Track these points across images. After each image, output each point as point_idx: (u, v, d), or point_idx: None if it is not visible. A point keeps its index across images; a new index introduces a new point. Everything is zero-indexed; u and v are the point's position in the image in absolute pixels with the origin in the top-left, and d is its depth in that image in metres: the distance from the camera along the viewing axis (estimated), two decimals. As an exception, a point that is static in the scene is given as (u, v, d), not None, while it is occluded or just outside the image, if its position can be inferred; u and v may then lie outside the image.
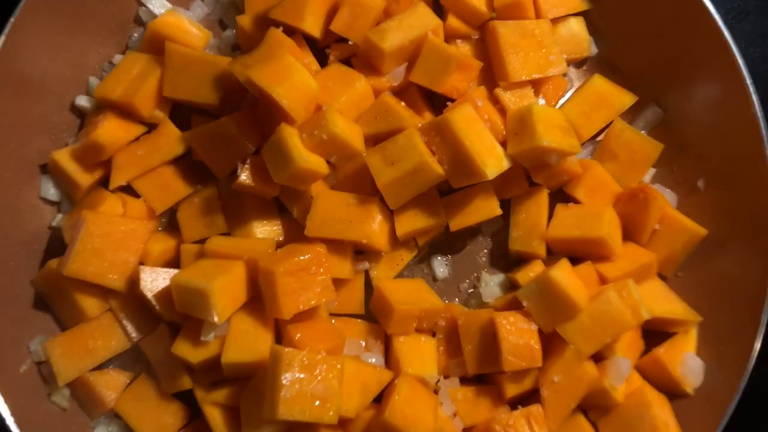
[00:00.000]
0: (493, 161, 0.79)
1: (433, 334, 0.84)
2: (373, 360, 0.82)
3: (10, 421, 0.72)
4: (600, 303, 0.78)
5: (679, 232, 0.85)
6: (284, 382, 0.70)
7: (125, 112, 0.84)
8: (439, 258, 0.89)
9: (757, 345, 0.76)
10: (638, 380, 0.82)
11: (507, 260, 0.89)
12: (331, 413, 0.71)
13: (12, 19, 0.78)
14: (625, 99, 0.89)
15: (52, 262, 0.81)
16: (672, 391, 0.81)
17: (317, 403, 0.71)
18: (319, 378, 0.72)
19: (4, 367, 0.76)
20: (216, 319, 0.74)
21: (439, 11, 0.87)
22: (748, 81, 0.80)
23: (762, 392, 0.77)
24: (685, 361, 0.81)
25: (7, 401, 0.73)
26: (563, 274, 0.78)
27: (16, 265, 0.82)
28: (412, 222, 0.84)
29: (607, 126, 0.89)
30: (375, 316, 0.84)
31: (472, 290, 0.89)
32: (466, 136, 0.78)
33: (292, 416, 0.70)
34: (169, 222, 0.87)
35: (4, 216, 0.81)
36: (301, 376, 0.71)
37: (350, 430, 0.77)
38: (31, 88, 0.83)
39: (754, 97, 0.80)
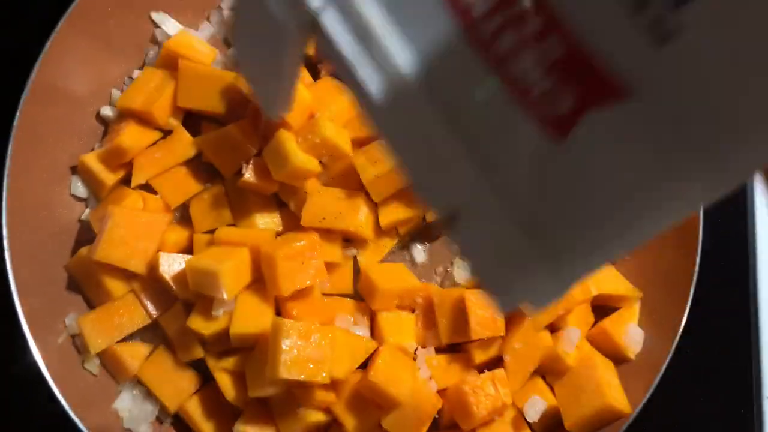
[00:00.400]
0: (462, 160, 0.92)
1: (412, 311, 0.96)
2: (360, 332, 0.94)
3: (52, 384, 0.83)
4: (553, 281, 0.90)
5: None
6: (284, 347, 0.82)
7: (144, 120, 0.95)
8: (417, 245, 1.01)
9: (685, 316, 0.89)
10: (587, 347, 0.94)
11: (477, 247, 1.01)
12: (323, 374, 0.83)
13: (49, 42, 0.88)
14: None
15: (83, 250, 0.92)
16: (617, 357, 0.94)
17: (312, 365, 0.83)
18: (313, 345, 0.84)
19: (45, 340, 0.86)
20: (225, 296, 0.86)
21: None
22: None
23: (685, 355, 0.89)
24: (628, 331, 0.93)
25: (48, 368, 0.84)
26: (522, 256, 0.91)
27: (51, 253, 0.93)
28: (393, 213, 0.94)
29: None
30: (362, 295, 0.95)
31: (446, 273, 1.01)
32: (439, 139, 0.90)
33: (291, 376, 0.82)
34: (182, 215, 0.98)
35: (40, 210, 0.92)
36: (299, 342, 0.83)
37: (340, 389, 0.89)
38: (63, 100, 0.93)
39: None
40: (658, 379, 0.87)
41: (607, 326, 0.94)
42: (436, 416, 0.93)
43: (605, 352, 0.94)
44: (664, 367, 0.88)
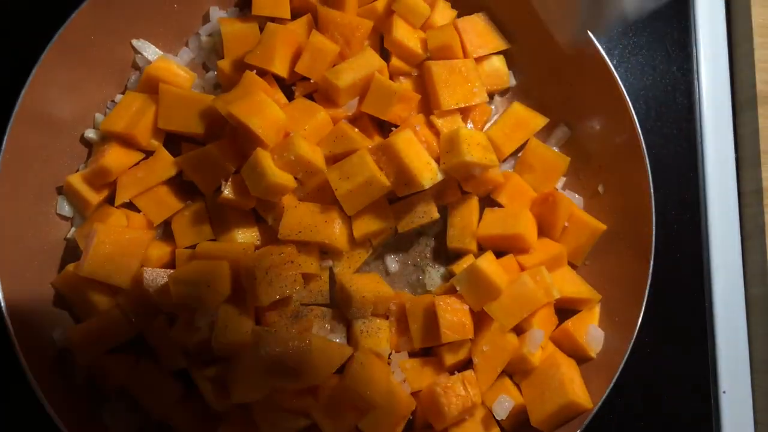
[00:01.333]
0: (429, 174, 0.96)
1: (387, 317, 1.01)
2: (337, 340, 0.98)
3: (41, 397, 0.87)
4: (518, 285, 0.95)
5: (584, 229, 1.02)
6: (263, 354, 0.87)
7: (127, 141, 0.99)
8: (390, 256, 1.06)
9: (641, 315, 0.94)
10: (551, 348, 0.99)
11: (446, 256, 1.05)
12: (303, 380, 0.88)
13: (34, 70, 0.92)
14: (539, 121, 1.06)
15: (70, 266, 0.96)
16: (579, 356, 0.99)
17: (291, 372, 0.88)
18: (292, 352, 0.88)
19: (34, 353, 0.89)
20: (207, 307, 0.90)
21: (384, 54, 1.03)
22: (630, 107, 0.97)
23: (640, 352, 0.95)
24: (589, 331, 0.99)
25: (38, 381, 0.87)
26: (487, 263, 0.96)
27: (39, 270, 0.96)
28: (366, 226, 0.99)
29: (525, 144, 1.06)
30: (338, 304, 1.00)
31: (417, 281, 1.06)
32: (407, 154, 0.95)
33: (272, 382, 0.86)
34: (164, 232, 1.02)
35: (27, 229, 0.96)
36: (278, 350, 0.88)
37: (318, 394, 0.93)
38: (49, 124, 0.97)
39: (636, 121, 0.97)
40: (617, 375, 0.93)
41: (569, 327, 0.99)
42: (411, 417, 0.98)
43: (568, 351, 0.99)
44: (622, 364, 0.93)
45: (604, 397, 0.92)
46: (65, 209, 1.01)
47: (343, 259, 1.02)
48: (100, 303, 0.95)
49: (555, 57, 1.04)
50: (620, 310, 0.98)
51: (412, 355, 1.00)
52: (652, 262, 0.95)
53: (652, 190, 0.97)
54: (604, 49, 0.98)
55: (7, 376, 0.91)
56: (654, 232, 0.96)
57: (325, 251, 1.01)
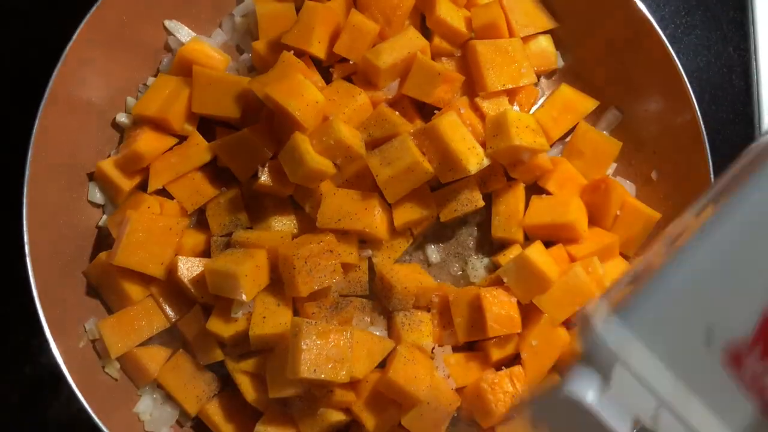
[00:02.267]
0: (475, 159, 0.92)
1: (428, 310, 0.97)
2: (378, 333, 0.95)
3: (74, 388, 0.84)
4: (569, 277, 0.91)
5: (638, 217, 0.97)
6: (304, 347, 0.83)
7: (160, 126, 0.96)
8: (432, 245, 1.01)
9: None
10: (604, 343, 0.94)
11: (490, 246, 1.01)
12: (343, 373, 0.84)
13: (65, 52, 0.90)
14: (589, 104, 1.01)
15: (102, 255, 0.93)
16: (634, 352, 0.94)
17: (331, 365, 0.84)
18: (332, 344, 0.84)
19: (66, 344, 0.87)
20: (244, 298, 0.87)
21: (426, 33, 0.98)
22: (689, 88, 0.93)
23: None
24: (644, 325, 0.94)
25: (70, 372, 0.85)
26: (537, 253, 0.91)
27: (70, 259, 0.94)
28: (407, 214, 0.95)
29: (574, 128, 1.01)
30: (378, 296, 0.96)
31: (460, 273, 1.01)
32: (451, 138, 0.91)
33: (312, 376, 0.82)
34: (198, 220, 0.99)
35: (58, 217, 0.93)
36: (318, 342, 0.84)
37: (359, 389, 0.90)
38: (80, 108, 0.95)
39: (694, 102, 0.92)
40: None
41: (622, 321, 0.94)
42: (455, 414, 0.93)
43: (622, 347, 0.94)
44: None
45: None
46: (97, 196, 0.98)
47: (382, 249, 0.98)
48: (132, 293, 0.93)
49: (605, 37, 0.99)
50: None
51: (456, 349, 0.96)
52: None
53: (712, 176, 0.91)
54: (656, 27, 0.93)
55: (39, 366, 0.87)
56: (715, 221, 0.90)
57: (364, 240, 0.97)
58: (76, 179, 0.96)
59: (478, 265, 1.00)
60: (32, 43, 1.05)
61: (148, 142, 0.95)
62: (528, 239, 0.99)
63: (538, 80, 1.04)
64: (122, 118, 0.99)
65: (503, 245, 1.00)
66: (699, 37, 1.12)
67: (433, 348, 0.94)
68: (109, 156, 0.99)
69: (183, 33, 1.02)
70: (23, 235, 0.87)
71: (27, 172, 0.88)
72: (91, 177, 0.98)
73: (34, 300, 0.85)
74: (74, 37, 0.91)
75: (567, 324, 0.93)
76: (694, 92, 1.08)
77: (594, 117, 1.03)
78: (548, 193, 1.00)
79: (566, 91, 1.02)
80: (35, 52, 1.03)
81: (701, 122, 0.92)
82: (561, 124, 1.01)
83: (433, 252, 1.01)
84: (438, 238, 1.01)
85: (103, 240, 0.98)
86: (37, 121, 0.89)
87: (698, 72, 1.11)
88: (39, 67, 0.91)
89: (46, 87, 0.89)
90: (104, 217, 0.99)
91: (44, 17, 1.07)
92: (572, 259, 0.96)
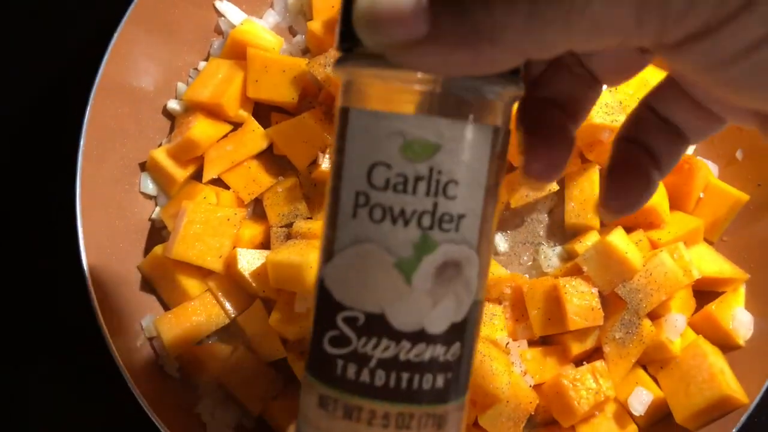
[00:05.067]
0: (550, 140, 0.86)
1: (500, 303, 0.92)
2: (448, 326, 0.89)
3: (134, 389, 0.80)
4: (654, 264, 0.85)
5: (723, 199, 0.91)
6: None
7: (213, 112, 0.92)
8: (500, 234, 0.96)
9: (802, 296, 0.83)
10: (693, 335, 0.88)
11: (562, 234, 0.95)
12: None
13: (114, 37, 0.85)
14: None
15: (157, 248, 0.89)
16: (724, 344, 0.87)
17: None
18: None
19: (124, 342, 0.83)
20: (308, 291, 0.82)
21: None
22: None
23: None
24: (735, 315, 0.87)
25: (129, 371, 0.81)
26: (620, 238, 0.85)
27: (124, 253, 0.90)
28: (476, 200, 0.90)
29: (650, 105, 0.95)
30: (445, 287, 0.91)
31: (531, 262, 0.96)
32: (525, 118, 0.85)
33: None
34: (255, 210, 0.94)
35: (111, 210, 0.89)
36: (390, 338, 0.79)
37: (434, 386, 0.85)
38: (129, 95, 0.90)
39: None
40: (776, 366, 0.81)
41: (712, 311, 0.88)
42: (532, 413, 0.88)
43: (711, 339, 0.88)
44: (781, 353, 0.81)
45: (762, 392, 0.81)
46: (149, 187, 0.94)
47: (450, 238, 0.92)
48: (190, 288, 0.89)
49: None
50: (772, 292, 0.86)
51: (531, 344, 0.90)
52: (813, 236, 0.83)
53: (810, 154, 0.84)
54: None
55: (99, 368, 0.83)
56: (815, 201, 0.84)
57: (430, 229, 0.92)
58: (128, 170, 0.92)
59: (551, 254, 0.94)
60: (80, 29, 1.01)
61: (201, 129, 0.91)
62: (604, 226, 0.93)
63: (611, 56, 0.98)
64: (173, 104, 0.95)
65: (576, 233, 0.94)
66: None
67: (508, 343, 0.89)
68: (161, 145, 0.95)
69: (234, 14, 0.97)
70: (78, 230, 0.83)
71: (79, 163, 0.84)
72: (143, 167, 0.94)
73: (91, 297, 0.81)
74: (123, 21, 0.86)
75: (651, 316, 0.86)
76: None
77: (672, 93, 0.96)
78: (625, 176, 0.93)
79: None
80: (83, 38, 0.99)
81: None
82: (638, 102, 0.94)
83: (502, 240, 0.96)
84: (506, 226, 0.96)
85: (157, 233, 0.94)
86: (88, 110, 0.84)
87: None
88: (88, 54, 0.87)
89: (96, 74, 0.85)
90: (157, 209, 0.94)
91: (91, 2, 1.02)
92: (654, 246, 0.90)
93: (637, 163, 0.47)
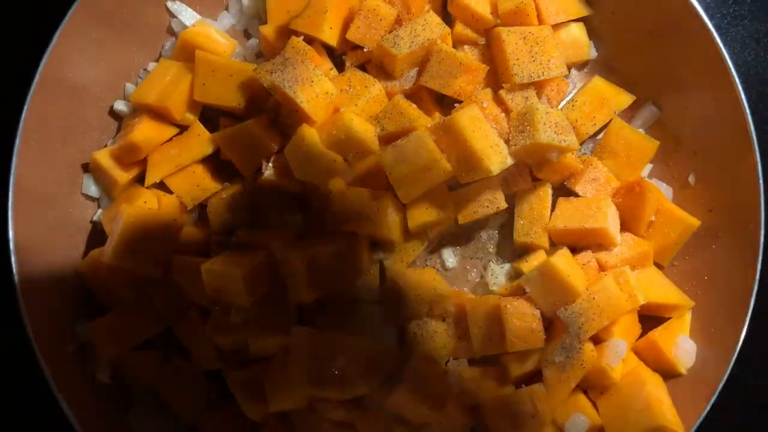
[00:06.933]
0: (498, 158, 0.84)
1: (443, 320, 0.90)
2: (388, 341, 0.88)
3: (59, 396, 0.78)
4: (598, 289, 0.83)
5: (674, 223, 0.89)
6: (307, 358, 0.77)
7: (159, 115, 0.90)
8: (448, 249, 0.94)
9: (744, 328, 0.81)
10: (634, 361, 0.87)
11: (512, 251, 0.94)
12: (349, 387, 0.78)
13: (58, 32, 0.83)
14: (624, 99, 0.93)
15: (94, 252, 0.87)
16: (666, 372, 0.86)
17: (336, 377, 0.78)
18: (338, 355, 0.78)
19: (52, 347, 0.81)
20: (244, 302, 0.81)
21: (447, 19, 0.91)
22: (738, 83, 0.83)
23: (747, 371, 0.82)
24: (679, 343, 0.86)
25: (55, 378, 0.79)
26: (563, 261, 0.83)
27: (62, 255, 0.88)
28: (423, 215, 0.88)
29: (607, 124, 0.93)
30: (389, 302, 0.89)
31: (479, 279, 0.94)
32: (472, 135, 0.83)
33: (315, 391, 0.76)
34: (199, 216, 0.92)
35: (50, 211, 0.87)
36: (323, 353, 0.78)
37: (364, 404, 0.83)
38: (74, 94, 0.88)
39: (743, 98, 0.83)
40: (714, 397, 0.80)
41: (655, 338, 0.86)
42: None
43: (653, 366, 0.87)
44: (721, 384, 0.80)
45: (699, 422, 0.79)
46: (91, 189, 0.92)
47: (395, 252, 0.91)
48: (126, 294, 0.87)
49: (643, 25, 0.91)
50: (717, 320, 0.85)
51: (473, 362, 0.88)
52: (759, 266, 0.82)
53: (761, 181, 0.83)
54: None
55: (22, 373, 0.82)
56: (763, 231, 0.82)
57: (376, 243, 0.90)
58: (70, 171, 0.91)
59: (499, 272, 0.93)
60: (21, 22, 0.99)
61: (146, 131, 0.89)
62: (553, 245, 0.91)
63: (569, 72, 0.96)
64: (120, 105, 0.93)
65: (526, 250, 0.92)
66: (747, 29, 1.02)
67: (448, 361, 0.87)
68: (105, 146, 0.93)
69: (187, 15, 0.95)
70: (8, 229, 0.81)
71: (14, 162, 0.82)
72: (86, 168, 0.92)
73: (18, 299, 0.79)
74: (67, 16, 0.84)
75: (594, 340, 0.85)
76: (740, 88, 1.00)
77: (629, 113, 0.95)
78: (577, 196, 0.92)
79: (600, 84, 0.94)
80: (26, 32, 0.97)
81: (750, 121, 0.84)
82: (593, 120, 0.93)
83: (450, 256, 0.94)
84: (455, 242, 0.94)
85: (98, 236, 0.92)
86: (26, 108, 0.83)
87: (745, 66, 1.02)
88: (28, 48, 0.85)
89: (36, 70, 0.83)
90: (99, 211, 0.93)
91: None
92: (602, 268, 0.88)
93: None
